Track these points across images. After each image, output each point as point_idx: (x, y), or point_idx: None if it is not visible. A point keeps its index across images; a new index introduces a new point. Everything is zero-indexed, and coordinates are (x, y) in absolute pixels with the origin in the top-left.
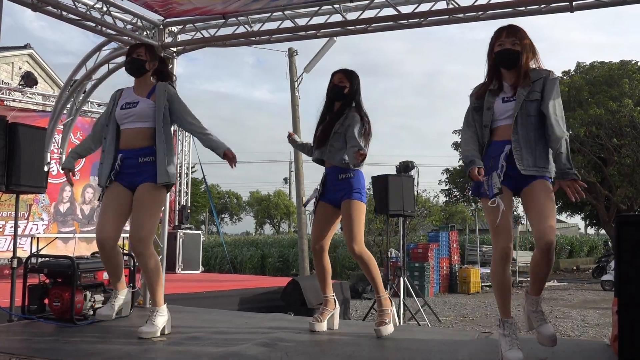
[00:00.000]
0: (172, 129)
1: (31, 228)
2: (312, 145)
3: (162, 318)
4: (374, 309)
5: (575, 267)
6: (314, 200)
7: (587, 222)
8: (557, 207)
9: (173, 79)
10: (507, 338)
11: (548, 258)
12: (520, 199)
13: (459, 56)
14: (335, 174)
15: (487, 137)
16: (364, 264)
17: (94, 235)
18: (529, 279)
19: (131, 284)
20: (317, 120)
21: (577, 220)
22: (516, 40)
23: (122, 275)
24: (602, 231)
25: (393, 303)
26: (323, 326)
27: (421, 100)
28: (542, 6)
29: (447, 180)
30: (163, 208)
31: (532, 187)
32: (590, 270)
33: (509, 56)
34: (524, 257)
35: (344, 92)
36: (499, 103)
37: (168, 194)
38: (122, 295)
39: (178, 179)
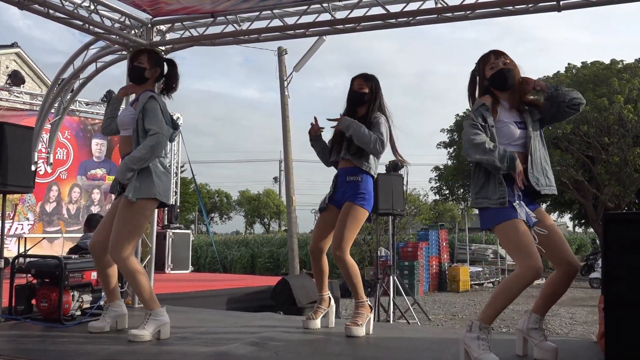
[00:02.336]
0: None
1: (16, 228)
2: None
3: (155, 322)
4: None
5: None
6: (323, 198)
7: (576, 221)
8: (545, 206)
9: (175, 87)
10: (482, 342)
11: (570, 282)
12: None
13: (448, 56)
14: (345, 176)
15: None
16: (345, 270)
17: (80, 234)
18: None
19: (119, 283)
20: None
21: (566, 219)
22: (505, 59)
23: (112, 286)
24: (590, 229)
25: (373, 310)
26: (316, 324)
27: (411, 100)
28: (530, 5)
29: (436, 177)
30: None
31: (541, 212)
32: None
33: (507, 74)
34: None
35: (364, 98)
36: (514, 128)
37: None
38: (114, 307)
39: None
